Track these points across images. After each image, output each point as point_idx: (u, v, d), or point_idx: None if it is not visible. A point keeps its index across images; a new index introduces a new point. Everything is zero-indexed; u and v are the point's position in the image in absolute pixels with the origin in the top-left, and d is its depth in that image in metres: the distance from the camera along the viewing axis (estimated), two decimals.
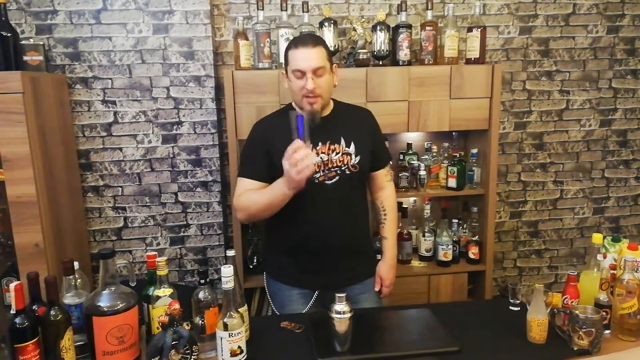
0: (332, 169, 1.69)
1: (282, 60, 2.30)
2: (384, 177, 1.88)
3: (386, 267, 1.86)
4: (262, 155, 1.69)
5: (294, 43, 1.65)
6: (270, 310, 2.47)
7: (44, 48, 2.26)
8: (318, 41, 1.65)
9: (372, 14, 2.59)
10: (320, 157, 1.68)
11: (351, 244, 1.78)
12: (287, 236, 1.77)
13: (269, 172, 1.66)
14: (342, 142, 1.71)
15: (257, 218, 1.73)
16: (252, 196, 1.66)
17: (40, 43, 2.19)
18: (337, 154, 1.70)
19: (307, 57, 1.60)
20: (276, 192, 1.57)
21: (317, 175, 1.67)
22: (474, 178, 2.55)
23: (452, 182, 2.53)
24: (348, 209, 1.74)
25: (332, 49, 2.38)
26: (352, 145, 1.72)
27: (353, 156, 1.71)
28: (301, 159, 1.45)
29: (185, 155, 2.58)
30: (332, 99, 1.78)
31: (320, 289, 1.76)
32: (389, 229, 1.88)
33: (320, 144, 1.69)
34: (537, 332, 1.42)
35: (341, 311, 1.36)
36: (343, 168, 1.70)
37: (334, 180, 1.69)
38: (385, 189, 1.89)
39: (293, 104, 1.77)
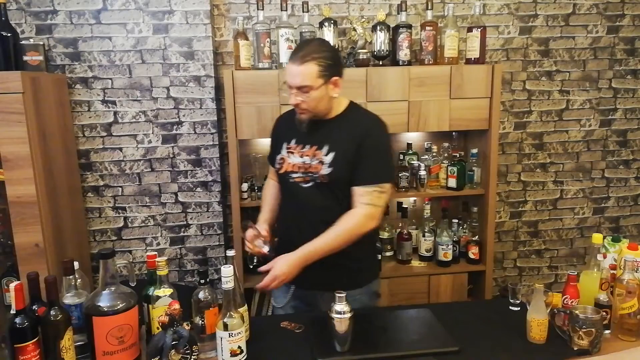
0: (308, 174, 1.67)
1: (282, 60, 2.32)
2: (359, 197, 1.63)
3: (283, 259, 1.58)
4: (274, 146, 1.85)
5: (290, 55, 1.63)
6: (270, 310, 2.48)
7: (44, 48, 2.26)
8: (309, 57, 1.56)
9: (372, 14, 2.59)
10: (303, 160, 1.69)
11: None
12: (282, 232, 1.83)
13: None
14: (324, 149, 1.67)
15: None
16: (263, 194, 1.94)
17: (40, 43, 2.19)
18: (315, 160, 1.67)
19: (292, 74, 1.59)
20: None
21: (295, 175, 1.70)
22: (474, 178, 2.55)
23: (452, 182, 2.53)
24: (323, 217, 1.64)
25: None
26: (330, 156, 1.65)
27: (325, 167, 1.64)
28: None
29: (185, 155, 2.58)
30: (351, 103, 1.75)
31: (296, 285, 1.75)
32: (322, 237, 1.60)
33: (308, 146, 1.70)
34: (537, 332, 1.42)
35: (341, 311, 1.36)
36: (316, 176, 1.66)
37: (309, 185, 1.68)
38: (356, 208, 1.64)
39: None
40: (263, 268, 1.59)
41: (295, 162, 1.70)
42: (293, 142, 1.73)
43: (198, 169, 2.60)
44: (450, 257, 2.54)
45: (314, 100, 1.61)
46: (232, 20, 2.57)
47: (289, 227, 1.76)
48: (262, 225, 1.77)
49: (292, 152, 1.72)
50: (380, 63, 2.46)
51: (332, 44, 1.83)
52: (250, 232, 1.68)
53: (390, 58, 2.48)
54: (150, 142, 2.55)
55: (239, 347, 1.28)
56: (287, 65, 1.62)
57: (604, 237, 1.67)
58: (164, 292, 1.37)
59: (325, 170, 1.65)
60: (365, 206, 1.62)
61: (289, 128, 1.75)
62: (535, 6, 2.77)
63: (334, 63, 1.62)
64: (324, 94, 1.62)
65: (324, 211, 1.66)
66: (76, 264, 1.40)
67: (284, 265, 1.55)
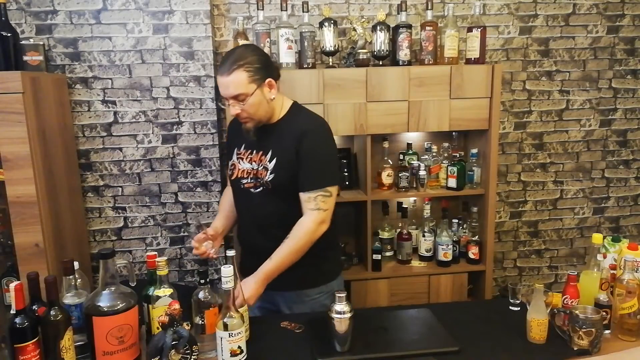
0: (257, 179, 1.68)
1: (282, 60, 2.32)
2: (305, 204, 1.63)
3: (246, 285, 1.54)
4: (229, 150, 1.84)
5: (219, 65, 1.60)
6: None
7: (44, 48, 2.26)
8: (235, 66, 1.54)
9: (372, 14, 2.59)
10: (252, 166, 1.69)
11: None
12: (240, 235, 1.88)
13: None
14: (268, 155, 1.67)
15: None
16: (221, 199, 1.95)
17: (40, 43, 2.19)
18: (261, 166, 1.68)
19: (223, 86, 1.58)
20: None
21: (244, 181, 1.71)
22: (474, 178, 2.55)
23: (452, 182, 2.53)
24: (275, 222, 1.68)
25: (332, 49, 2.39)
26: (273, 162, 1.65)
27: (268, 173, 1.65)
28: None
29: (185, 155, 2.58)
30: (294, 104, 1.73)
31: (274, 288, 1.71)
32: (278, 251, 1.60)
33: (255, 151, 1.70)
34: (537, 332, 1.42)
35: (341, 311, 1.36)
36: (262, 181, 1.67)
37: (258, 190, 1.68)
38: (304, 216, 1.63)
39: None
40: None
41: (244, 168, 1.71)
42: (242, 147, 1.74)
43: (198, 169, 2.60)
44: (450, 257, 2.54)
45: (252, 106, 1.59)
46: (232, 20, 2.57)
47: (247, 232, 1.80)
48: (212, 230, 1.76)
49: (242, 158, 1.73)
50: (380, 63, 2.46)
51: (258, 48, 1.77)
52: (200, 235, 1.71)
53: (390, 58, 2.48)
54: (150, 142, 2.55)
55: (239, 347, 1.28)
56: (218, 78, 1.60)
57: (604, 237, 1.67)
58: (164, 292, 1.38)
59: (268, 176, 1.65)
60: (313, 212, 1.61)
61: (240, 134, 1.72)
62: (535, 6, 2.77)
63: (262, 66, 1.59)
64: (261, 99, 1.60)
65: (276, 216, 1.68)
66: (76, 264, 1.40)
67: (248, 290, 1.52)
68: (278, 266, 1.59)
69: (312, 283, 1.75)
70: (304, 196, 1.63)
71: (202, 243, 1.70)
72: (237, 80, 1.55)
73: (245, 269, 1.71)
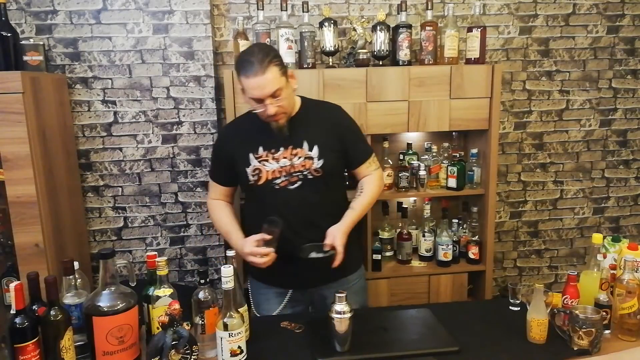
0: (294, 174, 1.66)
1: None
2: (365, 170, 1.79)
3: (335, 228, 1.64)
4: (223, 164, 1.78)
5: (244, 69, 1.54)
6: None
7: (44, 48, 2.26)
8: (267, 62, 1.53)
9: (372, 14, 2.59)
10: (281, 163, 1.66)
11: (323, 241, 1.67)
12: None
13: (231, 178, 1.78)
14: (305, 145, 1.66)
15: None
16: (217, 215, 1.81)
17: (40, 43, 2.19)
18: (299, 158, 1.66)
19: (261, 86, 1.53)
20: (231, 238, 1.73)
21: (279, 180, 1.67)
22: (474, 178, 2.55)
23: (452, 182, 2.53)
24: (316, 213, 1.67)
25: (332, 49, 2.39)
26: (316, 149, 1.66)
27: (316, 160, 1.66)
28: (256, 258, 1.58)
29: (185, 155, 2.58)
30: (301, 97, 1.75)
31: (295, 288, 1.75)
32: (358, 200, 1.74)
33: (282, 148, 1.67)
34: (537, 332, 1.42)
35: (341, 311, 1.36)
36: (305, 173, 1.66)
37: (296, 185, 1.66)
38: (370, 175, 1.80)
39: None
40: (329, 241, 1.60)
41: (274, 168, 1.67)
42: (261, 150, 1.68)
43: (198, 169, 2.60)
44: (450, 257, 2.54)
45: (287, 99, 1.60)
46: (232, 20, 2.57)
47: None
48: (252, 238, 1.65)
49: (266, 160, 1.67)
50: (380, 63, 2.46)
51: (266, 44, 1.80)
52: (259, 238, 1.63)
53: (390, 58, 2.48)
54: (150, 142, 2.55)
55: (239, 347, 1.28)
56: (248, 80, 1.54)
57: (604, 237, 1.67)
58: (164, 292, 1.38)
59: (317, 163, 1.66)
60: (376, 170, 1.82)
61: (247, 138, 1.70)
62: (535, 6, 2.77)
63: (281, 58, 1.62)
64: (290, 91, 1.63)
65: (315, 208, 1.67)
66: (76, 264, 1.40)
67: (337, 234, 1.61)
68: (359, 215, 1.72)
69: (353, 268, 1.82)
70: (362, 167, 1.78)
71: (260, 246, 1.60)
72: (272, 77, 1.54)
73: (281, 272, 1.68)
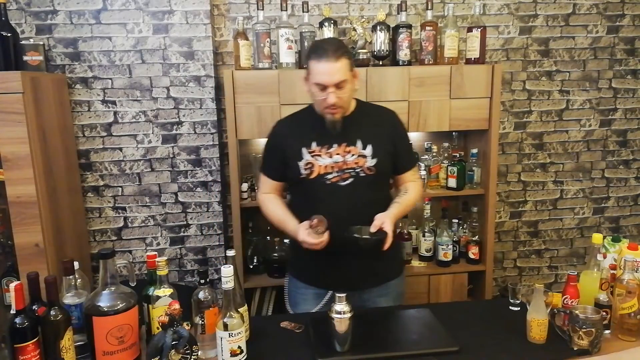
0: (346, 171, 1.67)
1: (282, 60, 2.31)
2: (410, 177, 1.83)
3: (383, 214, 1.64)
4: (277, 158, 1.76)
5: (317, 54, 1.58)
6: (270, 310, 2.48)
7: (44, 48, 2.26)
8: (340, 52, 1.58)
9: (372, 14, 2.59)
10: (334, 159, 1.67)
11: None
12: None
13: (283, 173, 1.76)
14: (359, 144, 1.69)
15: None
16: (271, 207, 1.80)
17: (40, 43, 2.19)
18: (352, 155, 1.68)
19: (330, 72, 1.56)
20: (287, 226, 1.72)
21: (330, 176, 1.67)
22: (474, 178, 2.55)
23: (452, 182, 2.53)
24: (365, 211, 1.64)
25: None
26: (369, 148, 1.69)
27: (369, 159, 1.68)
28: (311, 243, 1.57)
29: (185, 155, 2.58)
30: (356, 99, 1.77)
31: (336, 289, 1.71)
32: (403, 197, 1.76)
33: (335, 145, 1.68)
34: (537, 332, 1.42)
35: (341, 311, 1.36)
36: (357, 170, 1.67)
37: (348, 182, 1.67)
38: (413, 182, 1.84)
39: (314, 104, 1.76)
40: (377, 223, 1.58)
41: (326, 163, 1.68)
42: (314, 145, 1.69)
43: (198, 169, 2.60)
44: (450, 257, 2.54)
45: (347, 93, 1.63)
46: (232, 20, 2.57)
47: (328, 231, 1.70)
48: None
49: (319, 155, 1.68)
50: (380, 63, 2.46)
51: None
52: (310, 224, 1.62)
53: (390, 58, 2.48)
54: (150, 142, 2.55)
55: (239, 347, 1.28)
56: (319, 64, 1.57)
57: (604, 237, 1.67)
58: (164, 292, 1.37)
59: (370, 162, 1.68)
60: (419, 179, 1.91)
61: (301, 133, 1.72)
62: (535, 6, 2.77)
63: (352, 55, 1.66)
64: (352, 87, 1.65)
65: (363, 206, 1.66)
66: (76, 264, 1.40)
67: (391, 223, 1.61)
68: (403, 210, 1.74)
69: (395, 274, 1.84)
70: (409, 172, 1.83)
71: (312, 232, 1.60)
72: (343, 67, 1.58)
73: (324, 271, 1.71)
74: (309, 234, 1.57)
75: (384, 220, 1.59)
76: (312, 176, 1.68)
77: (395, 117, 1.83)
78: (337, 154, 1.68)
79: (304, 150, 1.69)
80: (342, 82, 1.58)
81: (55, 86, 2.25)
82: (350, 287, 1.66)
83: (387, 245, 1.58)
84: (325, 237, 1.57)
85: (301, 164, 1.69)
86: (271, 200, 1.81)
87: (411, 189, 1.80)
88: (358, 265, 1.71)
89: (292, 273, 1.87)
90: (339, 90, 1.59)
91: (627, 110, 2.97)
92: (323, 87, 1.58)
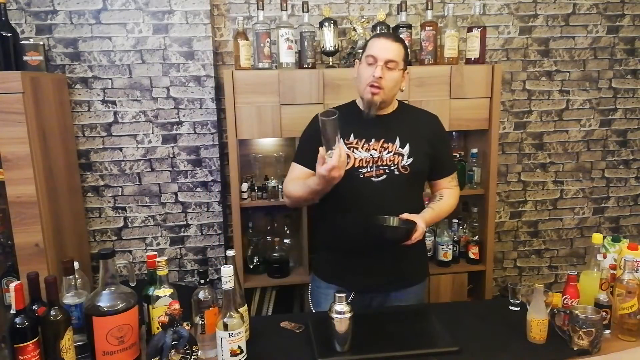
0: (381, 167, 1.66)
1: (282, 60, 2.31)
2: (448, 183, 1.82)
3: (422, 221, 1.61)
4: (313, 144, 1.64)
5: (379, 35, 1.69)
6: (270, 310, 2.48)
7: (44, 48, 2.26)
8: (400, 40, 1.66)
9: (372, 14, 2.59)
10: (371, 154, 1.67)
11: (396, 249, 1.64)
12: (332, 230, 1.76)
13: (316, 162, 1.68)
14: (397, 141, 1.69)
15: (300, 204, 1.82)
16: (295, 185, 1.72)
17: (40, 43, 2.19)
18: (388, 152, 1.68)
19: (385, 48, 1.60)
20: (310, 185, 1.61)
21: (364, 170, 1.67)
22: (474, 178, 2.55)
23: None
24: (394, 209, 1.62)
25: (332, 49, 2.39)
26: (407, 147, 1.68)
27: (405, 157, 1.68)
28: (329, 168, 1.46)
29: (185, 155, 2.58)
30: (399, 101, 1.78)
31: (359, 289, 1.70)
32: (437, 204, 1.75)
33: (373, 139, 1.68)
34: (537, 332, 1.42)
35: (341, 311, 1.36)
36: (392, 168, 1.67)
37: (381, 178, 1.66)
38: (452, 190, 1.83)
39: (357, 100, 1.76)
40: (406, 216, 1.58)
41: (362, 157, 1.67)
42: (352, 137, 1.69)
43: (198, 169, 2.60)
44: (450, 257, 2.54)
45: (392, 81, 1.63)
46: (232, 20, 2.57)
47: (353, 227, 1.67)
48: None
49: (356, 148, 1.68)
50: None
51: None
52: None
53: None
54: (150, 142, 2.55)
55: (239, 347, 1.28)
56: (377, 40, 1.63)
57: (604, 237, 1.67)
58: (164, 292, 1.38)
59: (406, 160, 1.68)
60: (456, 187, 1.85)
61: (340, 124, 1.66)
62: (535, 6, 2.77)
63: (409, 57, 1.70)
64: (399, 80, 1.66)
65: (394, 204, 1.65)
66: (76, 264, 1.40)
67: (422, 221, 1.59)
68: (436, 216, 1.73)
69: (418, 279, 1.83)
70: (447, 178, 1.81)
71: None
72: (398, 50, 1.62)
73: (347, 270, 1.71)
74: (321, 166, 1.48)
75: (415, 216, 1.59)
76: (347, 167, 1.60)
77: (438, 121, 1.82)
78: (374, 149, 1.68)
79: (342, 141, 1.64)
80: (392, 62, 1.60)
81: (55, 86, 2.25)
82: (372, 289, 1.66)
83: (415, 237, 1.55)
84: (341, 151, 1.46)
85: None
86: (294, 181, 1.74)
87: (447, 196, 1.78)
88: (381, 266, 1.70)
89: (316, 272, 1.86)
90: (387, 72, 1.60)
91: (627, 110, 2.97)
92: (373, 61, 1.60)
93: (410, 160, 1.68)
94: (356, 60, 1.74)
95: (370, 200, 1.65)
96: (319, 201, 1.73)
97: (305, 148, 1.77)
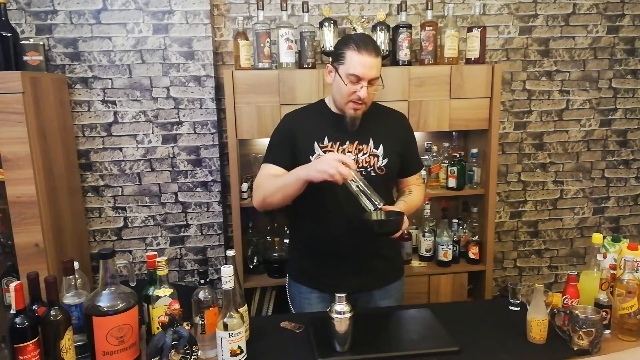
0: (358, 169, 1.64)
1: (282, 60, 2.31)
2: (415, 180, 1.84)
3: (395, 206, 1.64)
4: (287, 145, 1.68)
5: (357, 47, 1.55)
6: (270, 310, 2.48)
7: (44, 48, 2.27)
8: (377, 48, 1.60)
9: (372, 14, 2.59)
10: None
11: (372, 248, 1.71)
12: (308, 236, 1.77)
13: (291, 161, 1.65)
14: (371, 143, 1.68)
15: (270, 202, 1.64)
16: (269, 180, 1.64)
17: (40, 43, 2.19)
18: (364, 154, 1.67)
19: (370, 66, 1.55)
20: (297, 171, 1.55)
21: None
22: (474, 178, 2.55)
23: (452, 182, 2.53)
24: None
25: (331, 49, 2.39)
26: (381, 147, 1.69)
27: (380, 158, 1.68)
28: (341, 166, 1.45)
29: (185, 155, 2.58)
30: None
31: (337, 292, 1.72)
32: (408, 197, 1.74)
33: (347, 142, 1.67)
34: (537, 332, 1.42)
35: (341, 311, 1.36)
36: (369, 169, 1.66)
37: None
38: (418, 186, 1.85)
39: (326, 100, 1.75)
40: (388, 208, 1.57)
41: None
42: (326, 140, 1.67)
43: (198, 169, 2.60)
44: (450, 257, 2.54)
45: (374, 93, 1.62)
46: (232, 20, 2.57)
47: (333, 232, 1.67)
48: None
49: (331, 151, 1.65)
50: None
51: None
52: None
53: (390, 58, 2.48)
54: (150, 142, 2.55)
55: (239, 347, 1.28)
56: (360, 56, 1.54)
57: (604, 237, 1.67)
58: (164, 292, 1.38)
59: (381, 161, 1.68)
60: (422, 185, 1.90)
61: (313, 127, 1.68)
62: (535, 6, 2.77)
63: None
64: (377, 88, 1.64)
65: None
66: (76, 264, 1.40)
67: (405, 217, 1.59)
68: (409, 208, 1.71)
69: (396, 276, 1.85)
70: (414, 176, 1.84)
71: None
72: (379, 63, 1.58)
73: (325, 274, 1.71)
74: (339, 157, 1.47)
75: (394, 206, 1.61)
76: None
77: (406, 120, 1.84)
78: (349, 152, 1.67)
79: (317, 145, 1.66)
80: (375, 79, 1.58)
81: (55, 86, 2.25)
82: (352, 289, 1.65)
83: (404, 227, 1.55)
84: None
85: (312, 158, 1.65)
86: (269, 177, 1.67)
87: (415, 192, 1.80)
88: (360, 267, 1.71)
89: (292, 276, 1.84)
90: (370, 87, 1.58)
91: (627, 110, 2.97)
92: (357, 80, 1.56)
93: (385, 161, 1.69)
94: (329, 65, 1.65)
95: (348, 203, 1.60)
96: (295, 206, 1.72)
97: (277, 148, 1.71)
